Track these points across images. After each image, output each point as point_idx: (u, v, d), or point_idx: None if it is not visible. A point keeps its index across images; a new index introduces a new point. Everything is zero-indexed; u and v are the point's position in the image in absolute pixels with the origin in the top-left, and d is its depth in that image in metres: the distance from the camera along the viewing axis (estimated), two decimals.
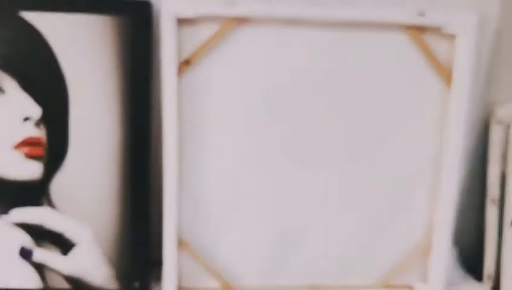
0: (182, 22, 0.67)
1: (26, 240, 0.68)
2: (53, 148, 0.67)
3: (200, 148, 0.72)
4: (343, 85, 0.72)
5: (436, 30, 0.70)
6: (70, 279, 0.64)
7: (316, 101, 0.72)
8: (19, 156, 0.66)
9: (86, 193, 0.69)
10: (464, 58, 0.70)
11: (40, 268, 0.69)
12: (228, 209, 0.74)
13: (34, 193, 0.67)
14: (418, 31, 0.70)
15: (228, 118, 0.71)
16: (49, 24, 0.65)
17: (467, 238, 0.86)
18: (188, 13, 0.65)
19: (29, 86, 0.65)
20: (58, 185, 0.68)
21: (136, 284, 0.71)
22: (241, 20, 0.67)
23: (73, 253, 0.68)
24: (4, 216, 0.67)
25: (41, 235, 0.64)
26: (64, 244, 0.68)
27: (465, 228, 0.85)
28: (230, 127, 0.71)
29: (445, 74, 0.72)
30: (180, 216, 0.73)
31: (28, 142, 0.65)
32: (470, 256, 0.85)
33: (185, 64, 0.68)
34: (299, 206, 0.75)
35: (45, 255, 0.68)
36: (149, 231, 0.72)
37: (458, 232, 0.85)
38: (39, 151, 0.66)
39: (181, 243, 0.73)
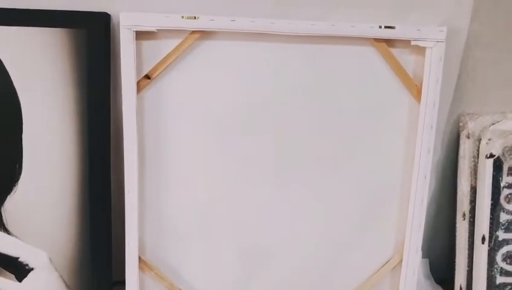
0: (142, 35, 0.64)
1: None
2: (5, 168, 0.64)
3: (164, 166, 0.69)
4: (311, 99, 0.70)
5: (405, 43, 0.69)
6: None
7: (283, 116, 0.70)
8: None
9: (42, 214, 0.66)
10: (432, 71, 0.69)
11: None
12: (193, 228, 0.71)
13: None
14: (386, 44, 0.68)
15: (192, 134, 0.69)
16: (1, 38, 0.61)
17: (439, 251, 0.85)
18: (147, 26, 0.62)
19: None
20: (11, 207, 0.65)
21: None
22: (204, 34, 0.65)
23: (29, 278, 0.65)
24: None
25: None
26: (19, 270, 0.65)
27: (437, 240, 0.85)
28: (195, 144, 0.69)
29: (414, 87, 0.70)
30: (144, 235, 0.70)
31: None
32: (442, 268, 0.85)
33: (145, 79, 0.65)
34: (267, 224, 0.73)
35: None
36: (110, 251, 0.69)
37: (431, 245, 0.85)
38: None
39: (145, 263, 0.70)
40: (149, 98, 0.66)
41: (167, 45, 0.64)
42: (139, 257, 0.70)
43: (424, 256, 0.85)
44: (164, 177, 0.69)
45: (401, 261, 0.75)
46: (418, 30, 0.68)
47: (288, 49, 0.68)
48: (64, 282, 0.67)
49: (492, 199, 0.72)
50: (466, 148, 0.75)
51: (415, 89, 0.70)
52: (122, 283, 0.71)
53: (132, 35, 0.62)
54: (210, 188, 0.70)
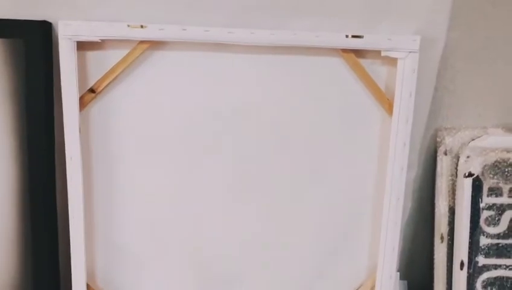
0: (85, 45, 0.58)
1: None
2: None
3: (113, 186, 0.64)
4: (274, 114, 0.65)
5: (375, 54, 0.64)
6: None
7: (242, 132, 0.65)
8: None
9: None
10: (405, 84, 0.63)
11: None
12: (147, 252, 0.66)
13: None
14: (355, 54, 0.63)
15: (143, 152, 0.64)
16: None
17: (419, 272, 0.80)
18: (89, 36, 0.57)
19: None
20: None
21: None
22: (154, 44, 0.59)
23: None
24: None
25: None
26: None
27: (416, 261, 0.80)
28: (146, 162, 0.64)
29: (386, 100, 0.65)
30: (93, 261, 0.65)
31: None
32: (420, 289, 0.79)
33: (89, 93, 0.60)
34: (228, 250, 0.67)
35: None
36: (55, 280, 0.64)
37: (409, 266, 0.80)
38: None
39: (93, 288, 0.65)
40: (95, 114, 0.61)
41: (113, 56, 0.59)
42: (89, 285, 0.64)
43: (402, 277, 0.79)
44: (114, 198, 0.64)
45: (373, 287, 0.69)
46: (389, 39, 0.62)
47: (248, 60, 0.63)
48: None
49: (471, 222, 0.67)
50: (444, 165, 0.70)
51: (387, 103, 0.65)
52: None
53: (73, 46, 0.57)
54: (163, 211, 0.65)
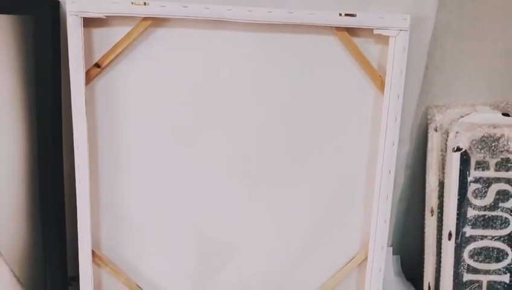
0: (91, 22, 0.62)
1: None
2: None
3: (118, 159, 0.67)
4: (270, 91, 0.68)
5: (368, 32, 0.66)
6: None
7: (241, 108, 0.68)
8: None
9: None
10: (396, 61, 0.66)
11: None
12: (150, 222, 0.69)
13: None
14: (348, 33, 0.66)
15: (146, 126, 0.66)
16: None
17: (411, 247, 0.83)
18: (95, 13, 0.60)
19: None
20: None
21: None
22: (156, 21, 0.62)
23: None
24: None
25: None
26: None
27: (408, 237, 0.83)
28: (150, 136, 0.67)
29: (378, 78, 0.68)
30: (98, 230, 0.68)
31: None
32: (414, 265, 0.82)
33: (95, 68, 0.63)
34: (228, 219, 0.71)
35: None
36: (63, 245, 0.68)
37: (402, 241, 0.83)
38: None
39: (100, 258, 0.69)
40: (100, 88, 0.64)
41: (118, 33, 0.62)
42: (94, 252, 0.68)
43: (395, 252, 0.83)
44: (118, 171, 0.67)
45: (366, 258, 0.73)
46: (381, 18, 0.65)
47: (246, 37, 0.65)
48: (16, 276, 0.65)
49: (459, 194, 0.70)
50: (434, 141, 0.73)
51: (379, 80, 0.68)
52: (76, 279, 0.69)
53: (79, 22, 0.60)
54: (166, 182, 0.68)
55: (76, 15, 0.59)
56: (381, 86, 0.67)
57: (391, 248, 0.80)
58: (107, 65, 0.63)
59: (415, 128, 0.75)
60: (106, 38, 0.62)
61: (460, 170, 0.69)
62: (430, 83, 0.73)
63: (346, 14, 0.64)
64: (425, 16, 0.68)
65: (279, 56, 0.66)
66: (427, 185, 0.74)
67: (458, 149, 0.69)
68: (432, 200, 0.73)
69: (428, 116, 0.73)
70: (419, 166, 0.76)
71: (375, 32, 0.65)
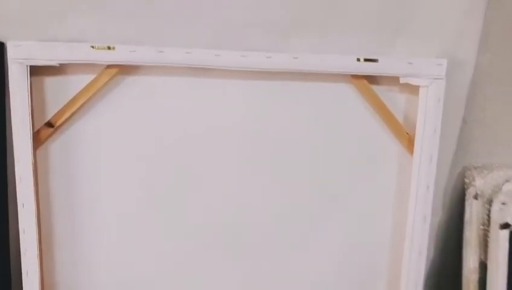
0: (41, 70, 0.49)
1: None
2: None
3: (80, 237, 0.54)
4: (273, 148, 0.55)
5: (393, 80, 0.53)
6: None
7: (239, 168, 0.55)
8: None
9: None
10: (428, 117, 0.53)
11: None
12: None
13: None
14: (367, 80, 0.53)
15: (116, 195, 0.53)
16: None
17: None
18: (45, 60, 0.47)
19: None
20: None
21: None
22: (124, 68, 0.49)
23: None
24: None
25: None
26: None
27: None
28: (119, 207, 0.54)
29: (404, 135, 0.54)
30: None
31: None
32: None
33: (47, 127, 0.49)
34: None
35: None
36: None
37: None
38: None
39: None
40: (55, 151, 0.51)
41: (76, 83, 0.50)
42: None
43: None
44: (81, 251, 0.53)
45: None
46: (409, 63, 0.52)
47: (239, 87, 0.52)
48: None
49: (509, 282, 0.55)
50: (473, 212, 0.59)
51: (406, 138, 0.55)
52: None
53: (25, 71, 0.47)
54: (135, 255, 0.54)
55: (21, 63, 0.46)
56: (408, 145, 0.54)
57: None
58: (63, 123, 0.49)
59: (449, 192, 0.62)
60: (61, 91, 0.50)
61: (510, 252, 0.55)
62: (468, 138, 0.60)
63: (365, 59, 0.50)
64: (463, 59, 0.56)
65: (281, 108, 0.54)
66: (464, 264, 0.60)
67: (506, 226, 0.55)
68: (470, 284, 0.59)
69: (466, 180, 0.60)
70: (453, 240, 0.62)
71: (402, 81, 0.52)
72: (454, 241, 0.63)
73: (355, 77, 0.52)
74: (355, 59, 0.51)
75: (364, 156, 0.56)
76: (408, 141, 0.55)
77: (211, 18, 0.49)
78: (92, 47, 0.47)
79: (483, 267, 0.59)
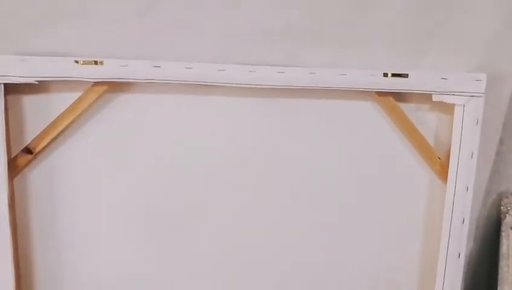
0: (19, 89, 0.42)
1: None
2: None
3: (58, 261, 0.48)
4: (293, 171, 0.50)
5: (422, 97, 0.48)
6: None
7: (249, 198, 0.50)
8: None
9: None
10: (465, 139, 0.48)
11: None
12: None
13: None
14: (394, 98, 0.46)
15: (102, 227, 0.47)
16: None
17: None
18: (23, 77, 0.41)
19: None
20: None
21: None
22: (115, 85, 0.43)
23: None
24: None
25: None
26: None
27: None
28: (106, 240, 0.48)
29: (436, 160, 0.49)
30: None
31: None
32: None
33: (25, 154, 0.43)
34: None
35: None
36: None
37: None
38: None
39: None
40: (35, 180, 0.45)
41: (58, 103, 0.44)
42: None
43: None
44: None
45: None
46: (444, 79, 0.46)
47: (247, 105, 0.48)
48: None
49: None
50: (511, 244, 0.52)
51: (438, 164, 0.50)
52: None
53: (0, 90, 0.40)
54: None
55: None
56: (441, 171, 0.50)
57: None
58: (44, 149, 0.43)
59: (482, 222, 0.56)
60: (42, 111, 0.43)
61: None
62: (505, 162, 0.54)
63: (394, 74, 0.44)
64: (501, 74, 0.50)
65: (295, 130, 0.51)
66: None
67: None
68: None
69: (502, 208, 0.55)
70: (486, 275, 0.58)
71: (434, 98, 0.45)
72: (487, 277, 0.58)
73: (381, 93, 0.46)
74: (382, 74, 0.44)
75: (389, 182, 0.51)
76: (440, 167, 0.50)
77: (214, 27, 0.43)
78: (76, 62, 0.41)
79: None
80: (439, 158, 0.49)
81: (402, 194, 0.51)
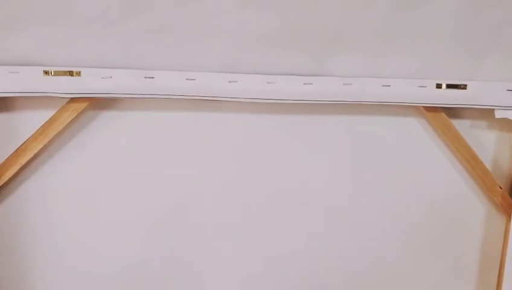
0: None
1: None
2: None
3: None
4: (322, 200, 0.42)
5: (479, 113, 0.40)
6: None
7: (264, 234, 0.43)
8: None
9: None
10: None
11: None
12: None
13: None
14: (446, 113, 0.37)
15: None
16: None
17: None
18: None
19: None
20: None
21: None
22: (96, 102, 0.34)
23: None
24: None
25: None
26: None
27: None
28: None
29: (496, 189, 0.41)
30: None
31: None
32: None
33: None
34: None
35: None
36: None
37: None
38: None
39: None
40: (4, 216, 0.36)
41: (28, 124, 0.34)
42: None
43: None
44: None
45: None
46: (510, 91, 0.36)
47: (263, 123, 0.38)
48: None
49: None
50: None
51: (499, 194, 0.40)
52: None
53: None
54: None
55: None
56: (502, 202, 0.41)
57: None
58: (10, 181, 0.34)
59: None
60: (7, 135, 0.34)
61: None
62: None
63: (449, 86, 0.34)
64: None
65: (325, 151, 0.43)
66: None
67: None
68: None
69: None
70: None
71: (498, 115, 0.36)
72: None
73: (430, 108, 0.37)
74: (435, 85, 0.35)
75: (439, 213, 0.43)
76: (502, 198, 0.41)
77: (222, 28, 0.33)
78: (46, 72, 0.32)
79: None
80: (501, 187, 0.40)
81: (454, 230, 0.43)
